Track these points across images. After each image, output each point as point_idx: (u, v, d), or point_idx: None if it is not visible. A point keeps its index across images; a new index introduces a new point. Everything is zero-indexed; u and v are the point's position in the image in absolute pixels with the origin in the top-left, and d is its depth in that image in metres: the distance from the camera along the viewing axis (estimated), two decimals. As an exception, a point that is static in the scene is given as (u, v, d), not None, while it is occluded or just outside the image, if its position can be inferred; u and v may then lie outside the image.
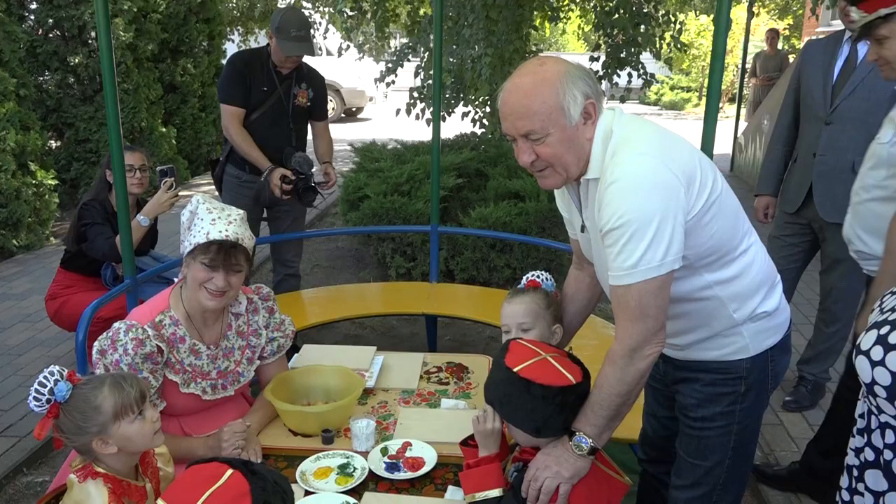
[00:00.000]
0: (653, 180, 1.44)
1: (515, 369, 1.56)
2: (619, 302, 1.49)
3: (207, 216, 1.88)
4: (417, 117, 6.13)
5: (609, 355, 1.53)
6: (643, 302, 1.46)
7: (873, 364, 1.12)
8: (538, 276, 1.94)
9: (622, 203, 1.44)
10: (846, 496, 1.26)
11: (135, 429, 1.52)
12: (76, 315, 3.19)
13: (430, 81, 6.03)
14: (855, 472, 1.24)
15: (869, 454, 1.19)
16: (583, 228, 1.68)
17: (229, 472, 1.17)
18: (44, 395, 1.47)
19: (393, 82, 6.47)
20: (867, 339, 1.15)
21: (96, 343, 1.86)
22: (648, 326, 1.48)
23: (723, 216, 1.53)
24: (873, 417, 1.17)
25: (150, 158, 3.48)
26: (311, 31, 3.62)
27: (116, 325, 1.87)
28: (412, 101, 6.16)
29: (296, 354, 2.49)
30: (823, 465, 2.57)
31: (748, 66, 10.05)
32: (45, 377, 1.48)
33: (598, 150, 1.54)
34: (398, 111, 6.23)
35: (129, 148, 3.23)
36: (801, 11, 10.81)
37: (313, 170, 3.47)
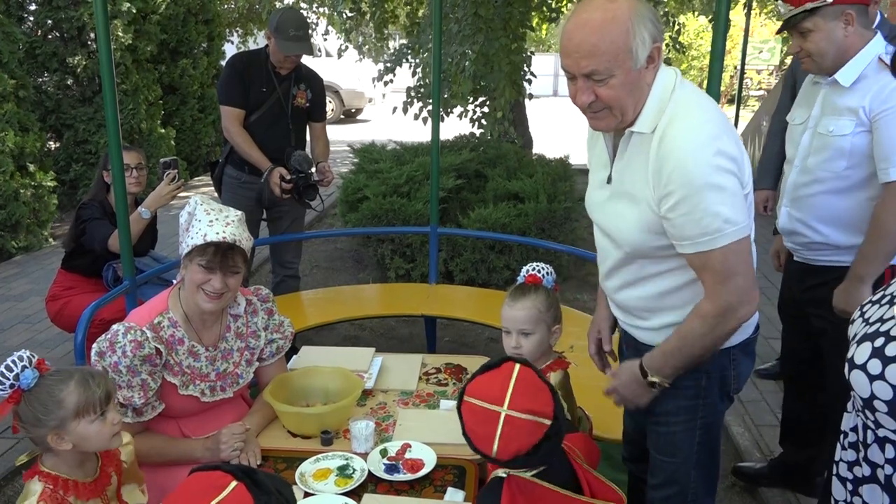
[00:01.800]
0: (720, 147, 1.43)
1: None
2: (704, 266, 1.48)
3: (205, 217, 1.87)
4: (415, 117, 6.13)
5: (700, 310, 1.52)
6: (728, 263, 1.45)
7: (871, 378, 1.08)
8: (539, 270, 1.92)
9: (691, 168, 1.41)
10: None
11: (93, 429, 1.50)
12: (78, 317, 3.19)
13: (427, 79, 6.04)
14: (849, 486, 1.22)
15: (865, 469, 1.17)
16: (609, 179, 1.64)
17: (233, 484, 1.12)
18: (8, 379, 1.45)
19: (391, 81, 6.47)
20: (861, 353, 1.11)
21: (95, 345, 1.85)
22: (739, 284, 1.47)
23: (749, 208, 1.53)
24: (869, 432, 1.15)
25: (148, 158, 3.45)
26: (310, 31, 3.63)
27: (115, 327, 1.86)
28: (409, 99, 6.17)
29: (295, 356, 2.49)
30: (800, 456, 2.61)
31: (768, 65, 10.00)
32: (14, 361, 1.46)
33: (653, 104, 1.50)
34: (394, 109, 6.24)
35: (125, 147, 3.21)
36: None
37: (311, 170, 3.47)
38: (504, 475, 1.48)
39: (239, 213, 1.96)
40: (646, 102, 1.51)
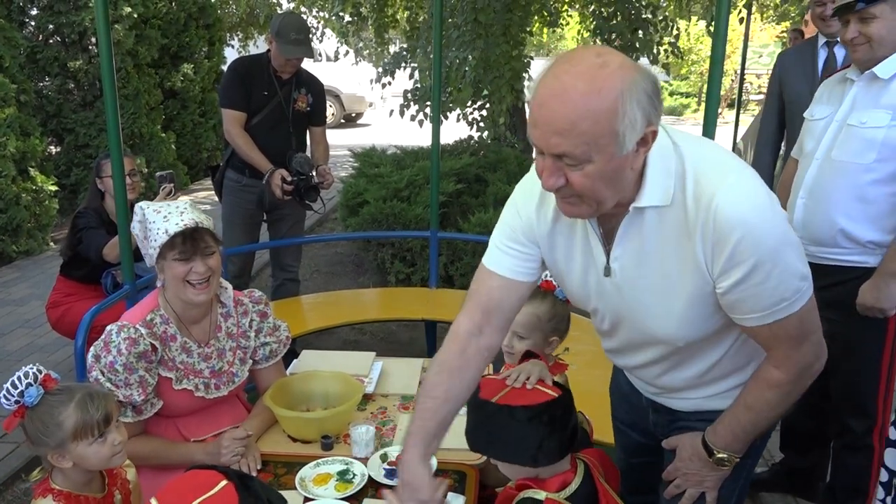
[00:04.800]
0: (768, 198, 1.23)
1: (493, 399, 1.46)
2: (775, 335, 1.27)
3: (158, 216, 1.87)
4: (412, 118, 6.14)
5: (771, 380, 1.32)
6: (805, 322, 1.27)
7: None
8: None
9: (766, 229, 1.19)
10: None
11: (92, 451, 1.51)
12: (78, 323, 3.19)
13: (425, 82, 6.05)
14: (893, 492, 1.21)
15: None
16: (607, 272, 1.34)
17: (223, 483, 1.16)
18: (13, 395, 1.47)
19: (390, 83, 6.49)
20: None
21: (91, 348, 1.86)
22: (814, 341, 1.30)
23: None
24: None
25: (148, 162, 3.43)
26: (311, 35, 3.65)
27: (109, 327, 1.87)
28: (406, 102, 6.18)
29: (295, 360, 2.48)
30: (802, 462, 2.60)
31: (769, 70, 10.03)
32: (19, 378, 1.47)
33: (659, 172, 1.23)
34: (391, 112, 6.26)
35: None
36: (797, 18, 10.84)
37: (312, 172, 3.48)
38: (539, 497, 1.45)
39: (186, 199, 1.96)
40: (647, 175, 1.23)
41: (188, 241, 1.86)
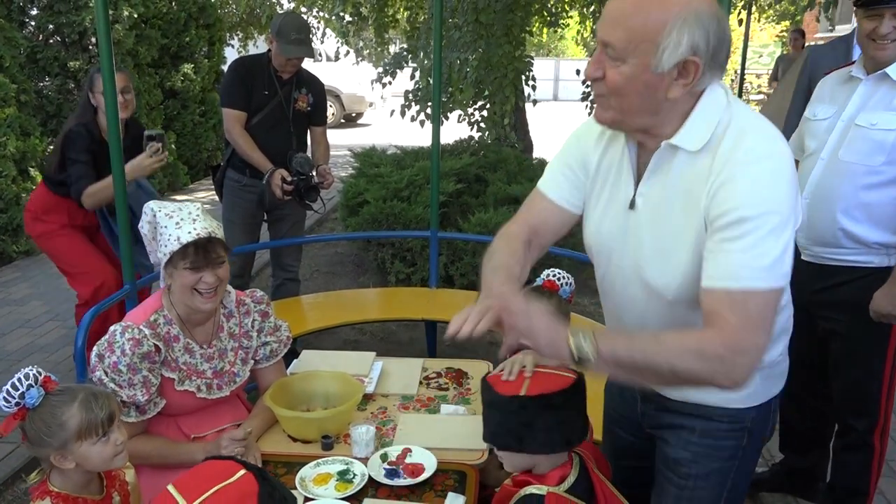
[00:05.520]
0: (792, 175, 1.24)
1: (522, 393, 1.44)
2: (733, 305, 1.20)
3: (169, 221, 1.85)
4: (412, 119, 6.14)
5: (699, 337, 1.22)
6: (765, 312, 1.21)
7: None
8: (558, 278, 1.88)
9: (767, 189, 1.20)
10: None
11: (95, 450, 1.51)
12: (60, 255, 3.28)
13: (425, 83, 6.06)
14: None
15: None
16: (632, 204, 1.37)
17: (242, 471, 1.18)
18: (14, 397, 1.47)
19: (390, 83, 6.48)
20: None
21: (95, 347, 1.86)
22: (760, 344, 1.21)
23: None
24: None
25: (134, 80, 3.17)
26: (311, 34, 3.65)
27: (112, 327, 1.87)
28: (407, 102, 6.18)
29: (295, 360, 2.48)
30: (802, 462, 2.60)
31: (770, 70, 10.02)
32: (20, 380, 1.47)
33: (700, 117, 1.27)
34: (392, 112, 6.26)
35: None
36: (799, 18, 10.83)
37: (312, 172, 3.48)
38: (541, 492, 1.46)
39: (198, 204, 1.94)
40: (691, 115, 1.28)
41: (200, 252, 1.85)
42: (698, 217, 1.27)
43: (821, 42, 10.29)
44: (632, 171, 1.38)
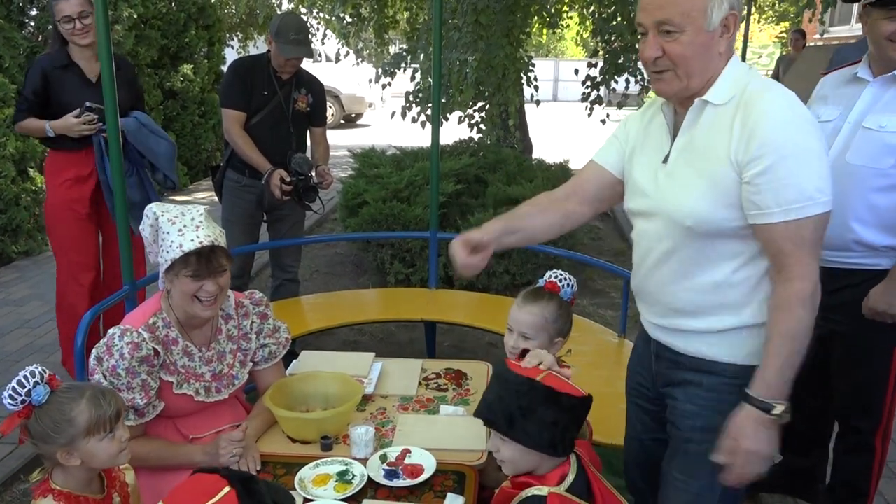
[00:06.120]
0: (812, 119, 1.44)
1: (538, 378, 1.47)
2: (794, 237, 1.39)
3: (172, 227, 1.82)
4: (413, 120, 6.14)
5: (796, 295, 1.40)
6: (818, 236, 1.40)
7: None
8: (560, 279, 1.88)
9: (787, 132, 1.39)
10: None
11: (102, 447, 1.52)
12: (55, 234, 3.37)
13: (425, 84, 6.06)
14: None
15: None
16: (666, 159, 1.56)
17: (226, 489, 1.17)
18: (20, 395, 1.47)
19: (389, 84, 6.48)
20: None
21: (94, 350, 1.85)
22: (817, 269, 1.41)
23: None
24: None
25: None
26: (310, 35, 3.65)
27: (111, 331, 1.86)
28: (408, 104, 6.18)
29: (294, 361, 2.48)
30: (803, 463, 2.59)
31: (770, 70, 10.01)
32: (26, 377, 1.47)
33: (730, 75, 1.48)
34: (392, 114, 6.26)
35: None
36: (798, 19, 10.84)
37: (311, 172, 3.48)
38: (543, 493, 1.46)
39: (201, 209, 1.89)
40: (722, 72, 1.47)
41: (202, 261, 1.83)
42: (723, 161, 1.44)
43: (820, 44, 10.29)
44: (669, 132, 1.58)
